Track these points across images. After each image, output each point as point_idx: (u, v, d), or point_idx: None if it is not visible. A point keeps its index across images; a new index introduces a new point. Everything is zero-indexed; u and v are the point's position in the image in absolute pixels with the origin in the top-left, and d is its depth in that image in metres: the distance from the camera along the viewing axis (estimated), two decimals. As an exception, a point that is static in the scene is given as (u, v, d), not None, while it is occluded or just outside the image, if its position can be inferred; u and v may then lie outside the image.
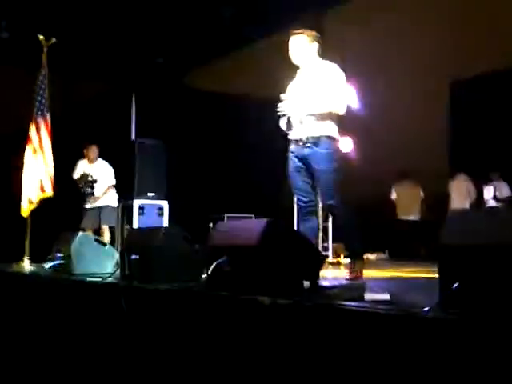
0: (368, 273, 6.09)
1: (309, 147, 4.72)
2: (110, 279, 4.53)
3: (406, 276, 5.68)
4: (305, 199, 4.94)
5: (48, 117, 7.17)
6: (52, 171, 7.07)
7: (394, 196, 10.73)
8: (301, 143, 4.77)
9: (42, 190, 7.02)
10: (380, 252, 10.35)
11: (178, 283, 3.87)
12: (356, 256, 4.91)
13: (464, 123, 9.71)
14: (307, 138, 4.72)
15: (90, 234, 5.47)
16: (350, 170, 9.61)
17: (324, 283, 3.53)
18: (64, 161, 7.50)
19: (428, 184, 9.69)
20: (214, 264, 3.61)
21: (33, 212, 7.07)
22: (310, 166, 4.77)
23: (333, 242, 9.89)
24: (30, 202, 7.04)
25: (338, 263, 8.91)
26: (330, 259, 9.28)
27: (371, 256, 10.04)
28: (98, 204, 8.71)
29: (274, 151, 9.54)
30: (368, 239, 9.98)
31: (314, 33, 4.90)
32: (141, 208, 8.79)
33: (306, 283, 3.41)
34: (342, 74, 4.76)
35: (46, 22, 8.12)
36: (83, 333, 4.40)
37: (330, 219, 9.81)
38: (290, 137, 4.90)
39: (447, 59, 9.19)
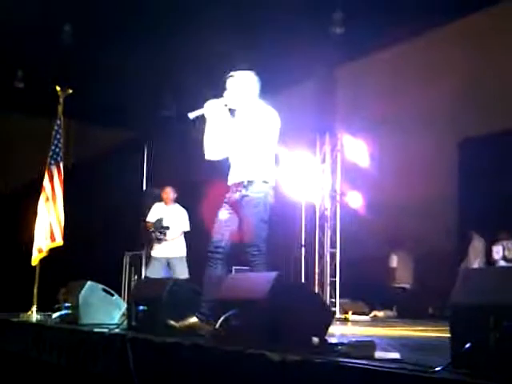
0: (377, 330, 6.03)
1: (240, 191, 4.56)
2: (116, 330, 4.51)
3: (416, 335, 5.61)
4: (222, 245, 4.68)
5: (61, 165, 7.25)
6: (63, 220, 7.10)
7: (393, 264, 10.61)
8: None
9: (53, 238, 7.03)
10: (388, 309, 10.25)
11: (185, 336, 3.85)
12: None
13: (472, 182, 9.70)
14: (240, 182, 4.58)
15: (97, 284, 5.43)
16: (359, 225, 9.69)
17: (332, 340, 3.48)
18: (74, 210, 7.53)
19: (437, 243, 9.63)
20: (223, 317, 3.59)
21: (41, 261, 7.07)
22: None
23: (341, 297, 9.82)
24: (40, 251, 7.04)
25: (346, 319, 8.82)
26: (338, 315, 9.19)
27: (379, 313, 9.95)
28: (166, 254, 8.35)
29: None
30: (376, 296, 9.95)
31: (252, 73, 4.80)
32: (148, 258, 8.76)
33: (315, 339, 3.36)
34: (275, 116, 4.63)
35: (62, 73, 8.28)
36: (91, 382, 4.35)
37: (338, 274, 9.76)
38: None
39: (458, 117, 9.27)
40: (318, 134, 10.19)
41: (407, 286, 10.52)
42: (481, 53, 9.20)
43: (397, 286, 10.52)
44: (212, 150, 4.74)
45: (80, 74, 8.70)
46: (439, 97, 9.36)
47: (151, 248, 8.41)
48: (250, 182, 4.49)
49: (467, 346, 2.34)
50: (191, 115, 4.69)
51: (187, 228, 8.49)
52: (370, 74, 10.10)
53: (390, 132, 9.61)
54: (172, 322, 4.21)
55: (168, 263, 8.32)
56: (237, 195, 4.54)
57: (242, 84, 4.70)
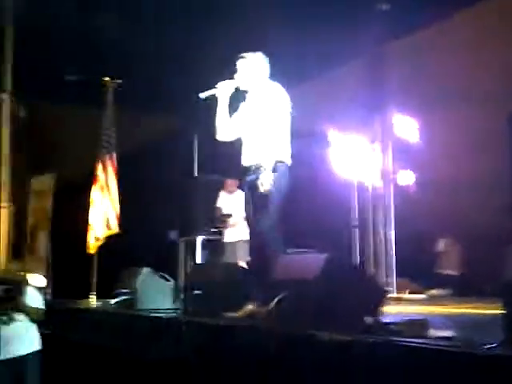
0: (432, 309, 5.98)
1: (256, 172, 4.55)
2: (173, 314, 4.60)
3: (470, 312, 5.54)
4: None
5: (114, 155, 7.40)
6: (118, 208, 7.25)
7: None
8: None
9: (108, 227, 7.20)
10: (444, 288, 10.12)
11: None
12: None
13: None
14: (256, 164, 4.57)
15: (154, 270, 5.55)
16: (412, 204, 9.58)
17: (386, 319, 3.48)
18: (129, 198, 7.67)
19: (492, 220, 9.43)
20: (276, 300, 3.63)
21: (99, 248, 7.24)
22: None
23: (396, 277, 9.74)
24: (97, 239, 7.22)
25: (401, 299, 8.75)
26: (393, 295, 9.12)
27: (435, 292, 9.84)
28: (233, 238, 8.51)
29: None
30: (432, 275, 9.84)
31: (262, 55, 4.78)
32: (204, 243, 8.87)
33: (369, 319, 3.37)
34: (285, 95, 4.61)
35: (112, 63, 8.40)
36: (150, 367, 4.45)
37: (393, 253, 9.68)
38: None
39: (507, 91, 9.04)
40: (369, 113, 10.09)
41: (454, 272, 10.36)
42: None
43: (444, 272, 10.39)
44: (224, 131, 4.79)
45: (128, 63, 8.80)
46: (487, 72, 9.15)
47: (222, 234, 8.59)
48: (265, 163, 4.46)
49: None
50: (203, 95, 4.71)
51: None
52: (419, 50, 9.92)
53: (440, 108, 9.44)
54: (230, 315, 4.25)
55: (235, 247, 8.46)
56: (253, 176, 4.55)
57: (253, 66, 4.71)
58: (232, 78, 4.72)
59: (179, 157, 10.47)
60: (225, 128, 4.79)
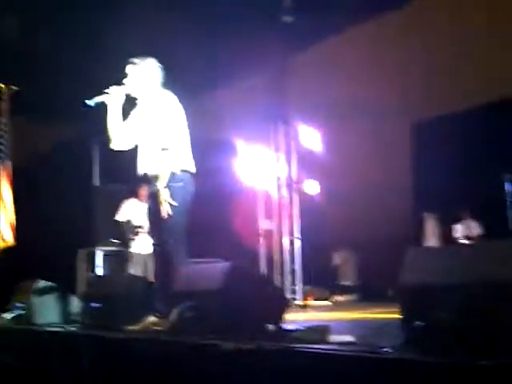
0: (334, 315, 6.07)
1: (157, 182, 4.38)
2: (71, 328, 4.44)
3: (373, 317, 5.65)
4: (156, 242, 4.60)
5: (9, 164, 7.11)
6: (13, 220, 6.96)
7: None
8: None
9: (3, 239, 6.90)
10: (349, 294, 10.33)
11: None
12: None
13: (430, 162, 9.77)
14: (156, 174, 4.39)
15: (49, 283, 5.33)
16: (316, 212, 9.74)
17: (288, 326, 3.48)
18: (24, 209, 7.38)
19: (394, 225, 9.72)
20: (177, 310, 3.56)
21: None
22: None
23: (302, 284, 9.85)
24: (-9, 252, 6.91)
25: (307, 306, 8.85)
26: (299, 302, 9.21)
27: (340, 298, 10.02)
28: (144, 250, 8.06)
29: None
30: (336, 281, 10.03)
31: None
32: (105, 255, 8.65)
33: (270, 327, 3.36)
34: (177, 105, 4.45)
35: (6, 70, 8.09)
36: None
37: (298, 261, 9.79)
38: None
39: (409, 100, 9.35)
40: (272, 122, 10.19)
41: (351, 283, 10.61)
42: (430, 35, 9.29)
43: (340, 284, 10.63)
44: (117, 140, 4.59)
45: (24, 70, 8.51)
46: (389, 81, 9.44)
47: (128, 245, 8.28)
48: (162, 173, 4.29)
49: (417, 325, 2.34)
50: (90, 102, 4.46)
51: None
52: (321, 61, 10.13)
53: (343, 118, 9.66)
54: (130, 327, 4.10)
55: (144, 259, 8.16)
56: (154, 186, 4.37)
57: (144, 72, 4.52)
58: (122, 83, 4.51)
59: (79, 166, 10.20)
60: (118, 136, 4.57)
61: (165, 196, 4.25)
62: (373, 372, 2.24)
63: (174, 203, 4.26)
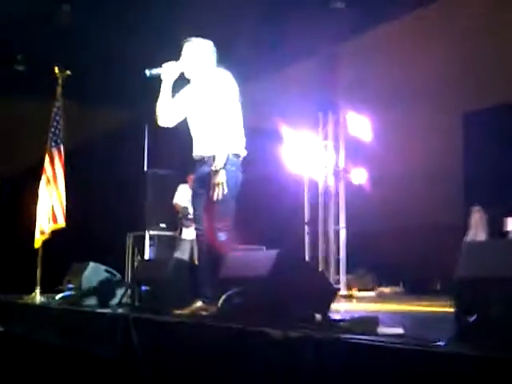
0: (382, 306, 6.02)
1: (208, 165, 4.33)
2: (120, 310, 4.50)
3: (421, 310, 5.59)
4: (201, 227, 4.50)
5: (62, 148, 7.22)
6: (64, 202, 7.08)
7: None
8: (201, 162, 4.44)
9: (55, 220, 7.02)
10: (394, 285, 10.22)
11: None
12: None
13: (479, 154, 9.58)
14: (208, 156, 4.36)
15: (99, 265, 5.43)
16: (363, 201, 9.65)
17: (335, 316, 3.46)
18: (75, 192, 7.51)
19: (443, 216, 9.57)
20: (225, 296, 3.57)
21: (44, 243, 7.06)
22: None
23: (346, 274, 9.80)
24: (42, 233, 7.04)
25: (351, 296, 8.81)
26: (343, 292, 9.17)
27: (385, 289, 9.92)
28: (192, 236, 8.07)
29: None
30: (382, 272, 9.94)
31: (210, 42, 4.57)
32: (152, 239, 8.75)
33: (318, 316, 3.34)
34: (233, 82, 4.40)
35: (61, 54, 8.22)
36: (93, 363, 4.35)
37: (343, 251, 9.72)
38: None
39: (460, 90, 9.17)
40: (321, 110, 10.12)
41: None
42: (479, 26, 9.08)
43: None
44: (166, 116, 4.59)
45: (78, 55, 8.64)
46: (440, 71, 9.27)
47: (180, 231, 8.38)
48: (218, 156, 4.23)
49: (471, 319, 2.30)
50: (148, 72, 4.50)
51: None
52: (371, 49, 10.00)
53: (392, 107, 9.53)
54: (178, 311, 4.11)
55: (192, 244, 8.24)
56: (206, 169, 4.35)
57: (199, 51, 4.50)
58: (178, 60, 4.51)
59: (129, 150, 10.33)
60: (167, 112, 4.56)
61: (221, 179, 4.20)
62: (424, 366, 2.21)
63: (225, 187, 4.21)
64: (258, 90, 10.33)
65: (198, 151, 4.47)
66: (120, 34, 8.62)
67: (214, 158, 4.26)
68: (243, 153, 4.42)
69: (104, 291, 5.09)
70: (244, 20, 8.61)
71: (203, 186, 4.39)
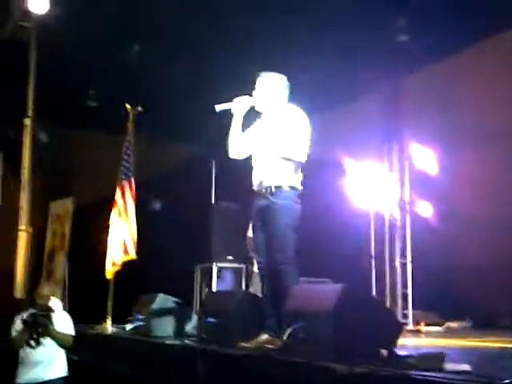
0: (450, 342, 5.91)
1: (266, 198, 4.41)
2: (187, 342, 4.59)
3: (489, 346, 5.47)
4: (261, 260, 4.57)
5: (133, 180, 7.44)
6: (135, 234, 7.27)
7: None
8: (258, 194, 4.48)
9: (126, 252, 7.21)
10: (462, 320, 9.99)
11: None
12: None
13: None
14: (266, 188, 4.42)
15: (168, 296, 5.54)
16: (429, 235, 9.51)
17: (402, 352, 3.45)
18: (147, 224, 7.69)
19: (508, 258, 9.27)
20: (290, 329, 3.61)
21: (115, 274, 7.25)
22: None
23: (413, 309, 9.64)
24: (114, 264, 7.24)
25: (418, 331, 8.66)
26: (410, 327, 9.02)
27: (453, 324, 9.71)
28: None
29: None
30: (449, 307, 9.74)
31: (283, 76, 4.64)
32: (219, 271, 8.84)
33: (383, 351, 3.34)
34: (304, 118, 4.48)
35: (132, 91, 8.51)
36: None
37: (410, 285, 9.58)
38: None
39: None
40: (386, 143, 10.09)
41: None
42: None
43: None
44: (236, 148, 4.66)
45: (148, 91, 8.91)
46: (509, 101, 9.10)
47: (252, 264, 8.49)
48: (277, 188, 4.35)
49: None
50: (218, 107, 4.60)
51: None
52: (437, 82, 9.92)
53: (459, 141, 9.40)
54: (243, 344, 4.18)
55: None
56: (263, 201, 4.43)
57: (272, 86, 4.59)
58: (250, 94, 4.62)
59: (197, 184, 10.52)
60: (238, 145, 4.65)
61: (278, 212, 4.31)
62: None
63: (281, 220, 4.30)
64: (323, 121, 10.40)
65: (258, 183, 4.55)
66: (188, 73, 8.85)
67: (270, 190, 4.37)
68: (299, 187, 4.48)
69: (173, 322, 5.19)
70: (312, 51, 8.69)
71: (262, 218, 4.48)
